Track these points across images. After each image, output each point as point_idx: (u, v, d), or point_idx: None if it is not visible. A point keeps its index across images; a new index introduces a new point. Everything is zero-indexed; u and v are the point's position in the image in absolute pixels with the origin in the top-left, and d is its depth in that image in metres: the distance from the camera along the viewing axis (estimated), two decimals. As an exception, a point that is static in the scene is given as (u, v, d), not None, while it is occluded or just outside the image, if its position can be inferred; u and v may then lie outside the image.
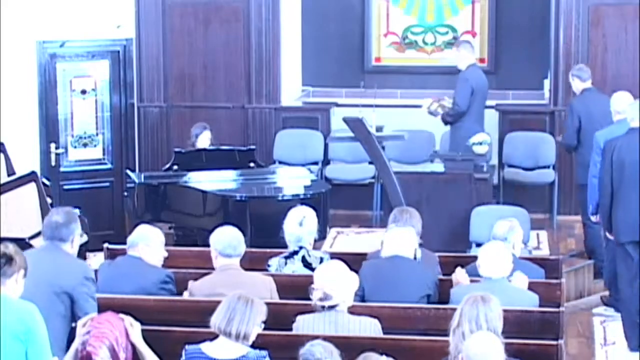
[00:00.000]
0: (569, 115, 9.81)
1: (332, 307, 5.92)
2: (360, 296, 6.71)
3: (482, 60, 11.89)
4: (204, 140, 10.25)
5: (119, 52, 11.47)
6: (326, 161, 11.68)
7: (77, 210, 6.63)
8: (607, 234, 8.44)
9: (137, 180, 9.61)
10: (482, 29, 11.89)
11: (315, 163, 11.50)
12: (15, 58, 10.68)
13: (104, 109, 11.43)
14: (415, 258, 7.04)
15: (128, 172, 10.24)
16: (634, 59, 10.81)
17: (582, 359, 8.29)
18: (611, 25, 10.92)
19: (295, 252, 7.14)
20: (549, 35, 11.26)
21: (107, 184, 11.44)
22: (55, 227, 6.06)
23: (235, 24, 11.56)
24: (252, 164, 10.04)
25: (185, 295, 6.67)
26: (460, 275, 6.86)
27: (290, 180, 9.86)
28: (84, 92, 11.30)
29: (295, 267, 7.10)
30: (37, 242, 7.75)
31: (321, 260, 6.97)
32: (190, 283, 6.69)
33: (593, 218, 8.84)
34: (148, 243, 6.80)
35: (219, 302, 5.44)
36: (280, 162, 11.39)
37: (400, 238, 6.97)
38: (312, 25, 12.04)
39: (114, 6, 11.33)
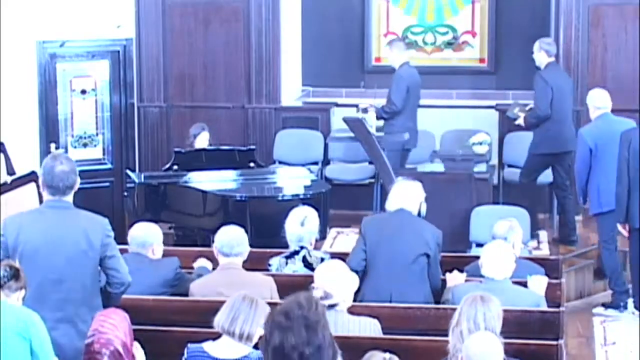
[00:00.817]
0: (542, 87, 9.98)
1: (332, 307, 5.92)
2: (363, 250, 6.78)
3: (482, 60, 11.90)
4: (202, 141, 10.24)
5: (119, 52, 11.47)
6: (326, 161, 11.67)
7: None
8: (619, 227, 8.63)
9: (137, 180, 9.61)
10: (482, 29, 11.88)
11: (315, 163, 11.50)
12: (15, 58, 10.67)
13: (104, 109, 11.43)
14: (419, 213, 7.06)
15: (128, 172, 10.23)
16: (634, 59, 10.81)
17: (582, 359, 8.29)
18: (611, 25, 10.92)
19: (296, 252, 7.14)
20: (549, 35, 11.25)
21: (107, 184, 11.43)
22: (66, 177, 5.75)
23: (235, 24, 11.56)
24: (252, 164, 10.03)
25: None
26: (455, 277, 6.86)
27: (290, 180, 9.85)
28: (84, 92, 11.30)
29: (296, 267, 7.10)
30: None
31: (322, 260, 6.96)
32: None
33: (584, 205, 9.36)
34: (160, 242, 6.88)
35: (219, 302, 5.43)
36: (280, 162, 11.38)
37: (404, 191, 7.03)
38: (312, 25, 12.02)
39: (114, 6, 11.33)
